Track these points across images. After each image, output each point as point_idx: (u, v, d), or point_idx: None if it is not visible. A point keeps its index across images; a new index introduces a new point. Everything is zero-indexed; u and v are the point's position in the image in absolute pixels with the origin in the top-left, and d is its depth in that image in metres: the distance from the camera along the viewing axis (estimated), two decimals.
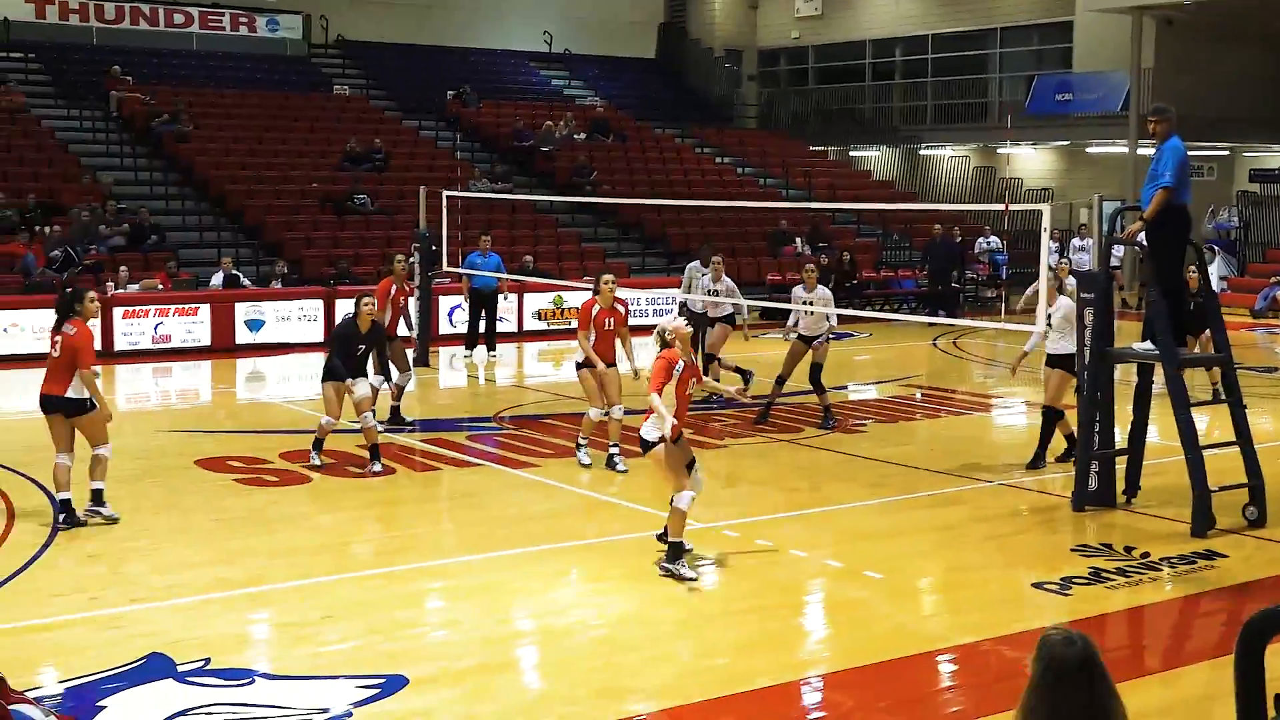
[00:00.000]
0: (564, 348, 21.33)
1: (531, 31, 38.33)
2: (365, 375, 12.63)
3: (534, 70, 37.88)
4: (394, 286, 14.90)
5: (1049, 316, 11.92)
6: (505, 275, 20.55)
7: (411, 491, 12.04)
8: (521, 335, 23.09)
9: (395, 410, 14.72)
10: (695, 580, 9.02)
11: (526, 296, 23.29)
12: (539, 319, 23.52)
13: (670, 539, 9.21)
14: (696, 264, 17.89)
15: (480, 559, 9.58)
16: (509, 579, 9.10)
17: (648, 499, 11.37)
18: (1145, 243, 11.15)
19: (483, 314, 20.42)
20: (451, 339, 21.58)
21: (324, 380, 12.52)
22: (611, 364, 12.69)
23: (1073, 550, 9.87)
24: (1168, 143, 10.83)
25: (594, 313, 12.64)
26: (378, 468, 12.27)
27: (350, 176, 27.46)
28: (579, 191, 28.78)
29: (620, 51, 39.47)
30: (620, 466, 12.48)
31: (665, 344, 9.42)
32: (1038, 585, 8.98)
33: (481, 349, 20.41)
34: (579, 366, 12.78)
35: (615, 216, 29.33)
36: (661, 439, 9.21)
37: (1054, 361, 12.53)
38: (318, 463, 12.45)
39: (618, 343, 12.80)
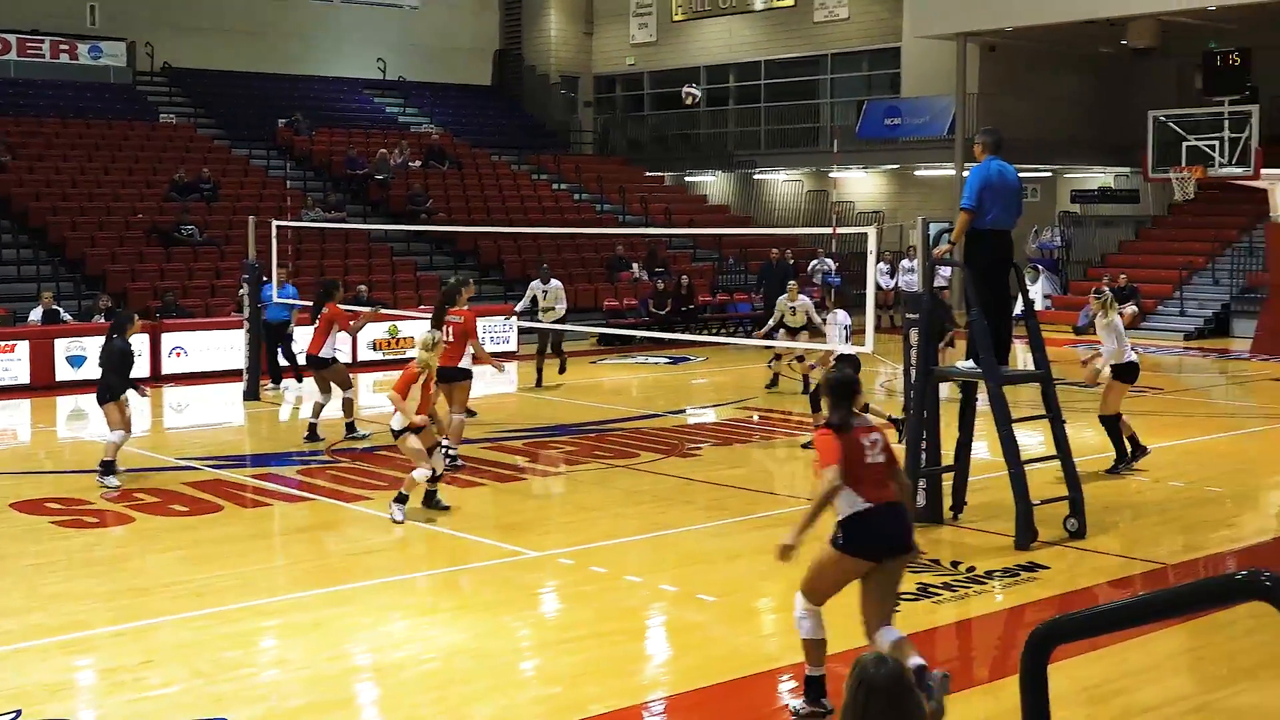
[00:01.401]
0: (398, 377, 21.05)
1: (365, 58, 38.01)
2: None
3: (368, 98, 37.54)
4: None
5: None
6: (297, 303, 20.03)
7: (240, 528, 11.73)
8: (356, 366, 22.70)
9: (313, 428, 15.43)
10: (401, 523, 11.22)
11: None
12: (374, 349, 23.22)
13: (404, 490, 11.47)
14: (538, 282, 18.88)
15: (312, 595, 9.39)
16: (341, 615, 8.93)
17: (481, 529, 11.28)
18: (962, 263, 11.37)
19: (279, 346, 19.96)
20: (283, 371, 21.17)
21: (105, 401, 13.01)
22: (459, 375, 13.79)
23: None
24: (976, 166, 11.08)
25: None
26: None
27: (177, 207, 26.82)
28: (414, 219, 28.56)
29: (456, 78, 39.38)
30: (457, 461, 13.61)
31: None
32: None
33: (290, 380, 19.91)
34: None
35: (451, 244, 29.16)
36: (406, 429, 11.43)
37: (1114, 372, 13.43)
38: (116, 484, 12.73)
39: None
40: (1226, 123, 23.42)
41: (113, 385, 13.09)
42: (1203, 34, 28.30)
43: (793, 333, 19.13)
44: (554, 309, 20.62)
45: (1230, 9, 26.97)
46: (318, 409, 15.50)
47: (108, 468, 12.98)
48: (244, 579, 9.94)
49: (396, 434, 11.58)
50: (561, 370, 20.77)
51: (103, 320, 21.84)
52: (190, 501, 12.23)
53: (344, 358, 17.21)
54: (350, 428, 15.60)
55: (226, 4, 35.89)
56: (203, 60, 34.80)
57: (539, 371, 20.22)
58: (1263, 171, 23.40)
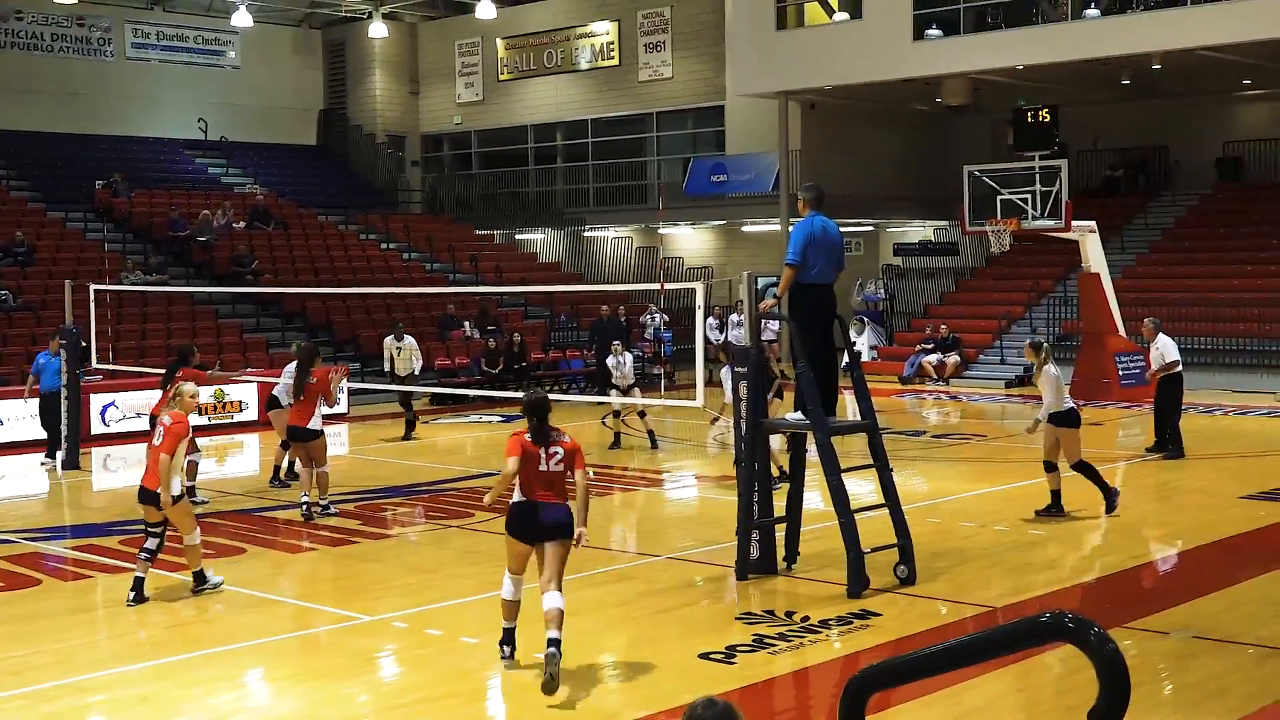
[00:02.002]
0: (225, 442, 20.62)
1: (186, 119, 37.35)
2: None
3: (189, 158, 36.85)
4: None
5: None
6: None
7: (60, 603, 11.31)
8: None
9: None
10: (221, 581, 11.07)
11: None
12: (200, 414, 22.61)
13: (194, 570, 11.02)
14: (391, 339, 19.11)
15: (138, 669, 9.09)
16: (168, 688, 8.65)
17: (314, 594, 11.07)
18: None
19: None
20: (104, 439, 20.57)
21: None
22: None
23: (737, 619, 10.03)
24: (800, 221, 11.31)
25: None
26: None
27: None
28: (239, 281, 28.02)
29: (280, 138, 38.94)
30: (330, 509, 14.26)
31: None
32: (705, 656, 9.09)
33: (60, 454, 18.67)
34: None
35: (279, 306, 28.69)
36: (179, 495, 10.67)
37: (1058, 420, 13.57)
38: None
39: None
40: (1038, 177, 24.25)
41: None
42: (1013, 92, 29.41)
43: (623, 390, 19.16)
44: (410, 366, 21.30)
45: (1037, 68, 28.05)
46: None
47: None
48: (64, 655, 9.57)
49: (176, 499, 10.66)
50: (408, 435, 20.85)
51: None
52: (5, 576, 11.75)
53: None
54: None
55: (38, 64, 34.97)
56: (15, 121, 33.77)
57: (409, 427, 21.03)
58: (1073, 223, 24.24)
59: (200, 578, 11.09)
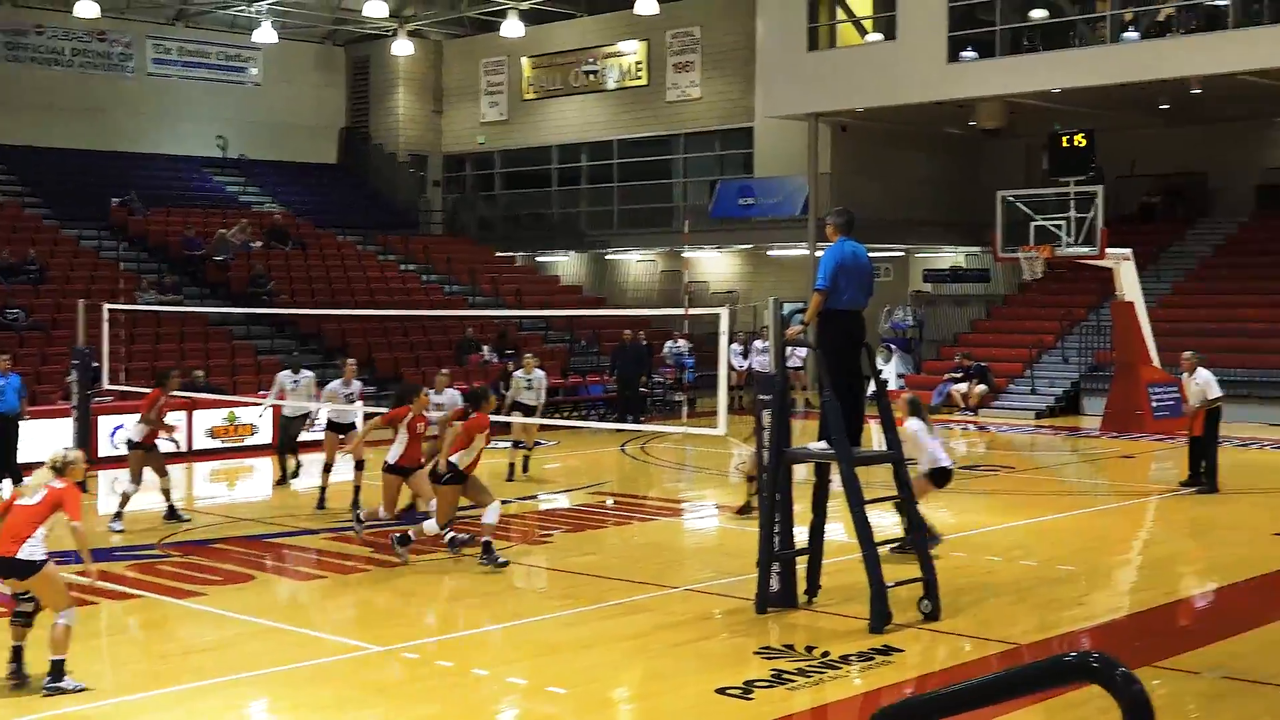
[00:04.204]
0: (237, 466, 20.35)
1: (204, 136, 37.23)
2: None
3: (207, 176, 36.71)
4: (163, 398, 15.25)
5: None
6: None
7: None
8: (192, 454, 21.88)
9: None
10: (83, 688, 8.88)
11: (197, 414, 22.13)
12: (211, 436, 22.36)
13: (53, 657, 8.90)
14: (287, 373, 17.80)
15: (139, 699, 8.88)
16: (172, 719, 8.41)
17: (321, 624, 10.80)
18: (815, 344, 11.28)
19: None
20: (112, 461, 20.26)
21: None
22: None
23: (755, 653, 9.79)
24: (830, 246, 11.04)
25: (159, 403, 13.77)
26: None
27: (2, 290, 25.75)
28: (255, 302, 27.81)
29: (300, 157, 38.77)
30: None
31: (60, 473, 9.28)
32: (721, 691, 8.84)
33: (9, 481, 17.70)
34: None
35: (294, 327, 28.46)
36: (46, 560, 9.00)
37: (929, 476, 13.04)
38: None
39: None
40: (1073, 203, 23.89)
41: None
42: (1049, 116, 28.99)
43: (528, 411, 18.41)
44: (304, 404, 18.43)
45: (1074, 92, 27.68)
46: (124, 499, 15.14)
47: None
48: None
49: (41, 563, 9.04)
50: (295, 474, 18.58)
51: None
52: (6, 602, 11.46)
53: (166, 446, 16.44)
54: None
55: (57, 80, 34.83)
56: (33, 138, 33.64)
57: (283, 468, 18.60)
58: (1108, 251, 23.87)
59: (58, 672, 8.99)
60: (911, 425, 12.88)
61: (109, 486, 18.97)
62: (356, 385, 16.82)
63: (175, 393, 16.01)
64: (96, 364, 18.27)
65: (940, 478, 13.13)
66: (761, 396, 11.32)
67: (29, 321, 24.98)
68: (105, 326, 18.18)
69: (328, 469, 16.47)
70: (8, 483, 17.50)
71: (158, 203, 32.70)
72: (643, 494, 18.24)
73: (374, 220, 36.71)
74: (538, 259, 38.87)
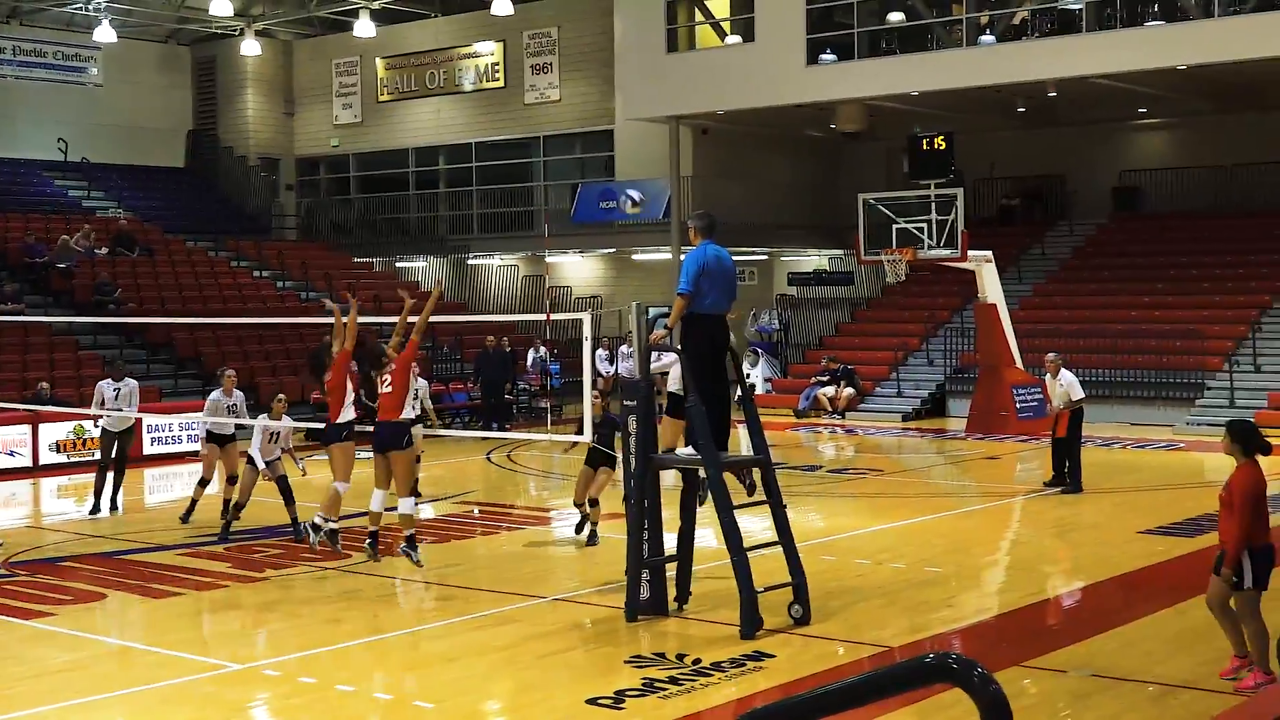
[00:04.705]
0: (85, 481, 19.58)
1: (44, 138, 35.87)
2: None
3: (48, 180, 35.37)
4: None
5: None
6: None
7: None
8: (37, 470, 21.05)
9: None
10: None
11: (42, 427, 21.30)
12: (57, 451, 21.54)
13: None
14: (107, 382, 17.04)
15: None
16: None
17: (179, 643, 10.41)
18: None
19: None
20: None
21: None
22: None
23: (626, 662, 9.69)
24: (692, 250, 10.96)
25: None
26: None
27: None
28: (101, 310, 26.92)
29: (146, 160, 37.57)
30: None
31: None
32: (592, 701, 8.73)
33: None
34: None
35: (143, 336, 27.60)
36: None
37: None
38: None
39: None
40: (933, 205, 24.15)
41: None
42: (908, 119, 29.38)
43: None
44: (125, 414, 17.19)
45: (932, 95, 27.98)
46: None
47: None
48: None
49: None
50: (114, 491, 17.07)
51: None
52: None
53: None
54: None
55: None
56: None
57: (97, 495, 16.94)
58: (969, 253, 24.18)
59: None
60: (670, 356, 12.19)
61: None
62: (239, 396, 16.08)
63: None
64: None
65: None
66: (626, 402, 11.18)
67: None
68: None
69: (204, 483, 15.81)
70: None
71: None
72: (509, 502, 17.99)
73: (225, 225, 35.77)
74: (397, 264, 38.28)
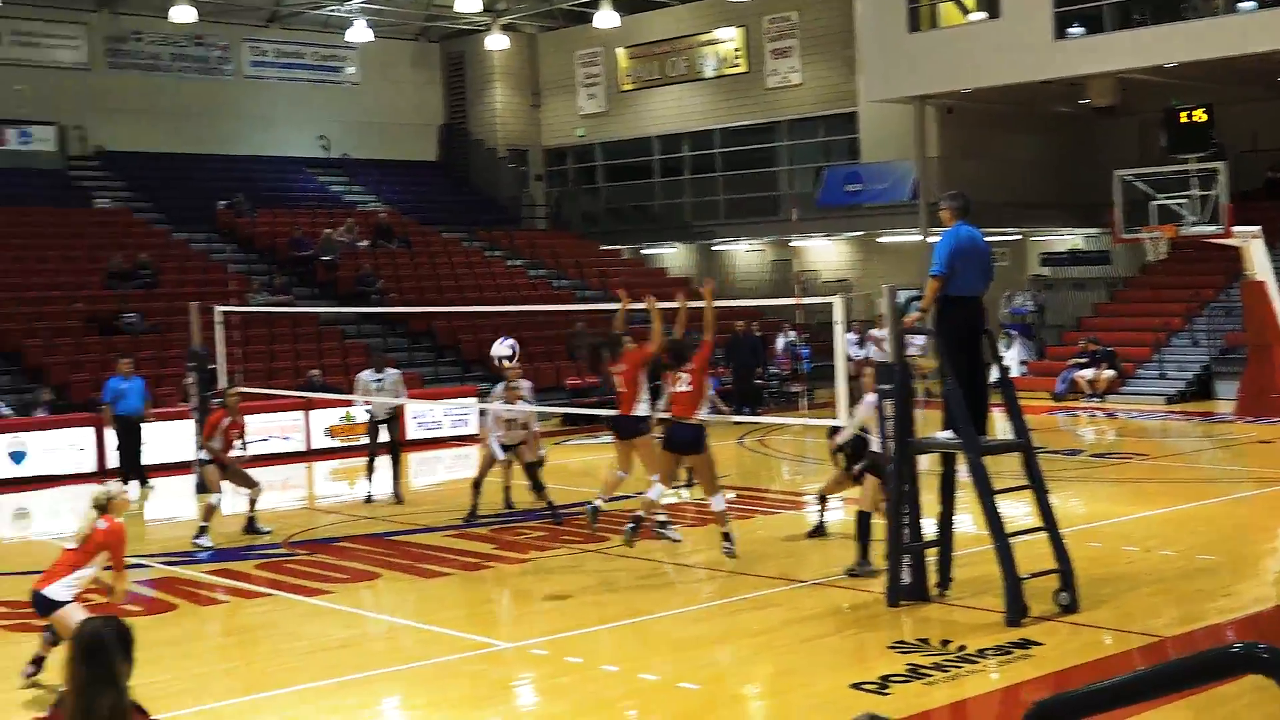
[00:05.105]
0: (356, 465, 20.42)
1: (305, 136, 37.40)
2: None
3: (311, 176, 36.93)
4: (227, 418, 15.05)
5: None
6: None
7: (193, 628, 11.16)
8: (310, 454, 22.08)
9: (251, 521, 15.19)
10: None
11: (313, 413, 22.33)
12: (329, 436, 22.55)
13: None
14: (369, 372, 17.46)
15: (268, 696, 8.91)
16: (304, 715, 8.47)
17: (448, 620, 10.77)
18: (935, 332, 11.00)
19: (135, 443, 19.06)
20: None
21: None
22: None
23: (889, 648, 9.60)
24: (946, 231, 10.80)
25: (223, 424, 14.82)
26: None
27: (116, 294, 26.13)
28: (364, 301, 28.02)
29: (401, 154, 38.86)
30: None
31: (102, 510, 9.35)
32: (856, 686, 8.68)
33: (135, 483, 18.25)
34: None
35: (404, 325, 28.61)
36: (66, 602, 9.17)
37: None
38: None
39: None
40: (1194, 180, 23.24)
41: None
42: (1163, 91, 28.23)
43: (510, 424, 15.67)
44: (391, 401, 17.73)
45: (1190, 65, 26.85)
46: (207, 512, 14.69)
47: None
48: (200, 681, 9.40)
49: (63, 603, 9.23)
50: (394, 481, 17.63)
51: (45, 414, 21.16)
52: (142, 600, 11.62)
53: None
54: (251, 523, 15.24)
55: (158, 85, 35.06)
56: (136, 143, 33.93)
57: (370, 470, 17.55)
58: (1234, 229, 23.20)
59: None
60: (871, 398, 11.87)
61: (232, 488, 19.15)
62: (526, 386, 16.19)
63: (236, 414, 15.36)
64: (213, 365, 18.42)
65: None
66: (881, 386, 11.07)
67: (144, 326, 25.37)
68: (218, 329, 18.29)
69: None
70: (134, 484, 17.82)
71: (263, 204, 32.98)
72: (764, 487, 18.03)
73: (477, 216, 36.75)
74: (643, 251, 38.71)
